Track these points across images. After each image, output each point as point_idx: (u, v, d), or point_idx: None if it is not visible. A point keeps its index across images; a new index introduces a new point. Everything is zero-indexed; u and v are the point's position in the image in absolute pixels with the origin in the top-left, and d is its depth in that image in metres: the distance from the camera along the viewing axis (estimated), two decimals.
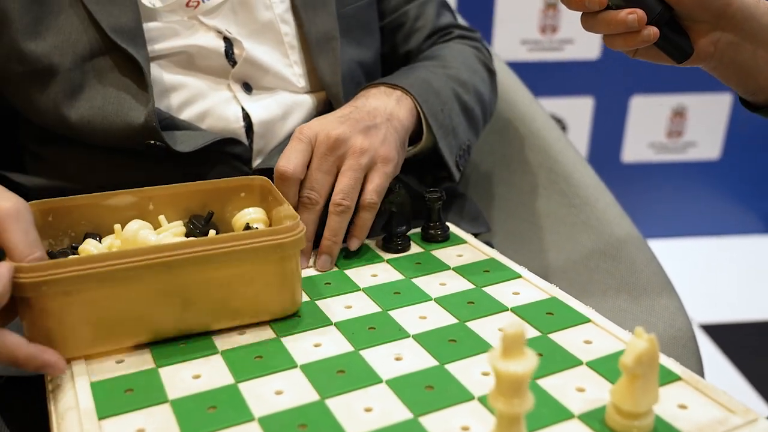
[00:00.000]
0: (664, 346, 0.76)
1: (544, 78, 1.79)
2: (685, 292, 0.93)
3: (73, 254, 0.54)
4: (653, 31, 0.55)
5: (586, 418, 0.41)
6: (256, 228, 0.56)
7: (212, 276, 0.49)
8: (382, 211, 0.63)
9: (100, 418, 0.42)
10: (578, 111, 1.86)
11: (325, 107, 0.74)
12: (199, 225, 0.57)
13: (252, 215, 0.58)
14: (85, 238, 0.55)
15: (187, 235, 0.57)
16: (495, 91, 0.85)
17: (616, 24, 0.55)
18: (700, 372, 0.77)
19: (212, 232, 0.56)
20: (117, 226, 0.55)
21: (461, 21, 1.00)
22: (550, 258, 0.89)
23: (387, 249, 0.63)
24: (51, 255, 0.52)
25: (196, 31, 0.67)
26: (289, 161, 0.59)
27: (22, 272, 0.44)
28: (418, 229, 0.67)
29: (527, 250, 0.91)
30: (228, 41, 0.68)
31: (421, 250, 0.64)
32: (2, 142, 0.79)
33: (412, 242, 0.65)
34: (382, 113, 0.65)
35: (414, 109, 0.69)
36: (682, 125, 1.93)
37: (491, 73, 0.84)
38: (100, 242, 0.55)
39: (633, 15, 0.54)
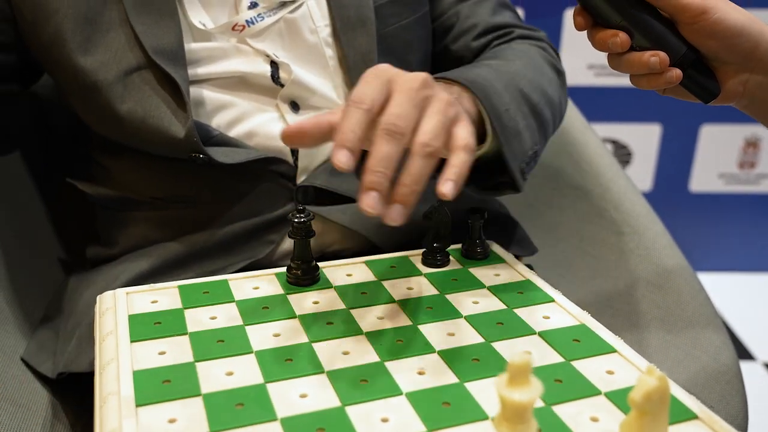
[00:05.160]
0: (707, 380, 0.73)
1: (610, 103, 1.74)
2: (753, 329, 0.87)
3: None
4: (676, 72, 0.54)
5: None
6: None
7: None
8: (423, 227, 0.63)
9: (138, 405, 0.44)
10: (645, 138, 1.80)
11: None
12: None
13: None
14: None
15: None
16: (565, 93, 0.76)
17: (639, 66, 0.54)
18: (744, 410, 0.73)
19: None
20: None
21: None
22: (596, 285, 0.87)
23: (426, 263, 0.63)
24: None
25: (244, 54, 0.67)
26: (365, 94, 0.46)
27: None
28: (460, 245, 0.67)
29: (573, 276, 0.89)
30: (275, 65, 0.68)
31: (460, 266, 0.64)
32: (77, 155, 0.84)
33: (452, 258, 0.65)
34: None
35: (475, 106, 0.60)
36: (756, 156, 1.83)
37: (560, 73, 0.76)
38: None
39: (655, 57, 0.54)
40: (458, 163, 0.47)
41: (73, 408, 0.66)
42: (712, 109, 1.76)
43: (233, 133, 0.68)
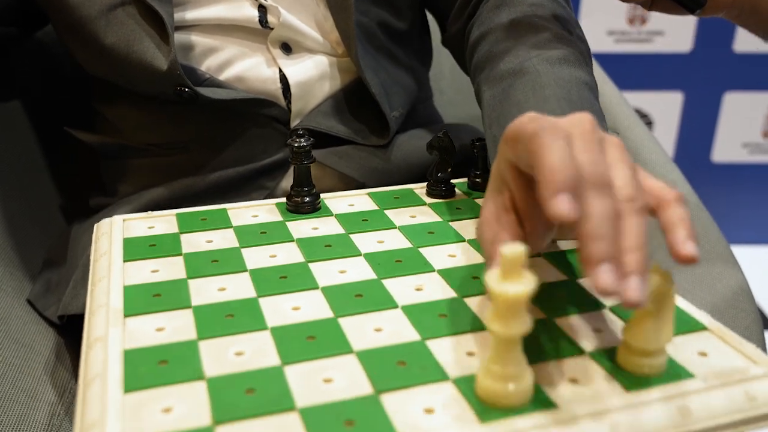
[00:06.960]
0: (721, 314, 0.69)
1: (631, 71, 1.69)
2: None
3: None
4: None
5: (597, 355, 0.37)
6: None
7: None
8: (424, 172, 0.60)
9: (126, 315, 0.42)
10: (666, 106, 1.74)
11: None
12: None
13: None
14: None
15: None
16: (578, 25, 0.64)
17: None
18: (762, 344, 0.69)
19: None
20: None
21: None
22: None
23: (430, 194, 0.60)
24: None
25: None
26: (557, 157, 0.34)
27: None
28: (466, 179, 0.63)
29: None
30: (262, 8, 0.65)
31: (465, 197, 0.61)
32: (79, 104, 0.83)
33: (458, 190, 0.62)
34: None
35: None
36: None
37: (569, 4, 0.66)
38: None
39: None
40: (681, 218, 0.35)
41: (75, 351, 0.65)
42: (736, 75, 1.69)
43: (223, 76, 0.65)
